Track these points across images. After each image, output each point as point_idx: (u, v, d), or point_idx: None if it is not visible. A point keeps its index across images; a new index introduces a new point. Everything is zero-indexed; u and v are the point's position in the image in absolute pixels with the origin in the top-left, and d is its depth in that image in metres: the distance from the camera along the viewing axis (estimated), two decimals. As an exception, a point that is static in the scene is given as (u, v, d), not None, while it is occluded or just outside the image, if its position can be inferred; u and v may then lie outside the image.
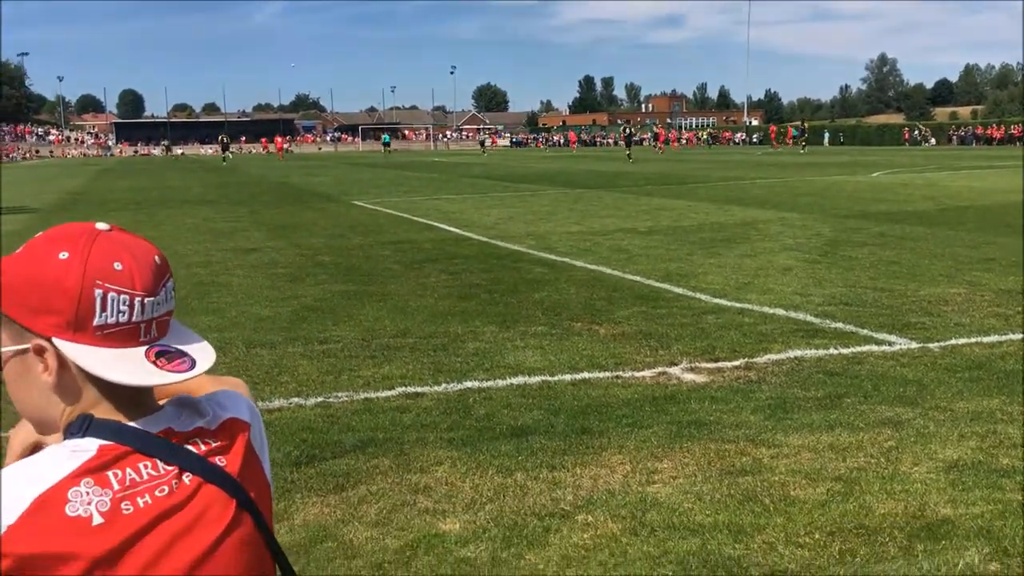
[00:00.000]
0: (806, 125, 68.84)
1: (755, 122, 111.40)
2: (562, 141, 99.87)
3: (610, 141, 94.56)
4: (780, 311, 7.38)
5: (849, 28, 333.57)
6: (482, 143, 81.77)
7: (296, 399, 5.21)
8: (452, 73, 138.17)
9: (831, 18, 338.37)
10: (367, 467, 4.11)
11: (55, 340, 1.13)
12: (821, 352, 6.08)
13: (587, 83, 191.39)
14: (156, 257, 1.19)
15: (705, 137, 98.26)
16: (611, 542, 3.33)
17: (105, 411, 1.17)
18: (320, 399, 5.20)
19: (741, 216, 15.26)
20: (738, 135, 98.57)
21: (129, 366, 1.14)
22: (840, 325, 6.84)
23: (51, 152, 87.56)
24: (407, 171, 37.46)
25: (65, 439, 1.16)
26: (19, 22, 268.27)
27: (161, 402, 1.25)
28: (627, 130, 51.41)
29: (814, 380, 5.42)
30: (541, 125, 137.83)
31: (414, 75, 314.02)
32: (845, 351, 6.08)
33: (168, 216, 17.58)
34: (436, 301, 8.08)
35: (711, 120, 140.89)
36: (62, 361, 1.14)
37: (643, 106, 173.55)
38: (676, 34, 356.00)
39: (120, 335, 1.15)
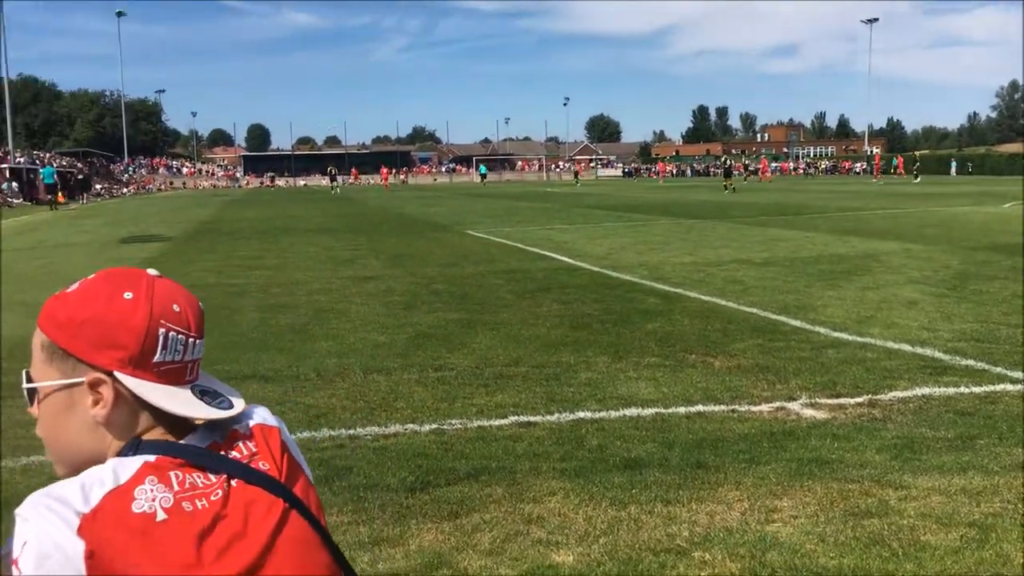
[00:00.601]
0: (917, 155, 67.15)
1: (876, 150, 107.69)
2: (674, 172, 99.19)
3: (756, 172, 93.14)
4: (906, 346, 7.09)
5: (978, 53, 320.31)
6: (575, 174, 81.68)
7: (411, 425, 5.29)
8: (565, 104, 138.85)
9: (958, 43, 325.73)
10: (480, 495, 4.13)
11: (116, 374, 1.20)
12: (951, 390, 5.80)
13: (701, 113, 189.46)
14: (199, 304, 1.29)
15: (806, 167, 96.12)
16: (729, 581, 3.24)
17: (153, 436, 1.24)
18: (434, 425, 5.27)
19: (862, 247, 14.78)
20: (858, 164, 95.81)
21: (184, 401, 1.23)
22: (971, 362, 6.52)
23: (184, 184, 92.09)
24: (520, 201, 37.80)
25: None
26: (158, 61, 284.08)
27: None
28: (727, 161, 51.37)
29: (944, 420, 5.17)
30: (654, 155, 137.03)
31: (528, 107, 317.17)
32: (977, 390, 5.79)
33: (291, 244, 18.20)
34: (548, 330, 8.09)
35: (830, 149, 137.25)
36: (118, 394, 1.20)
37: (759, 135, 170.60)
38: (793, 63, 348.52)
39: (172, 372, 1.24)
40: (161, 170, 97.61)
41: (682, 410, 5.48)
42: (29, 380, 1.26)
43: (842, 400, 5.64)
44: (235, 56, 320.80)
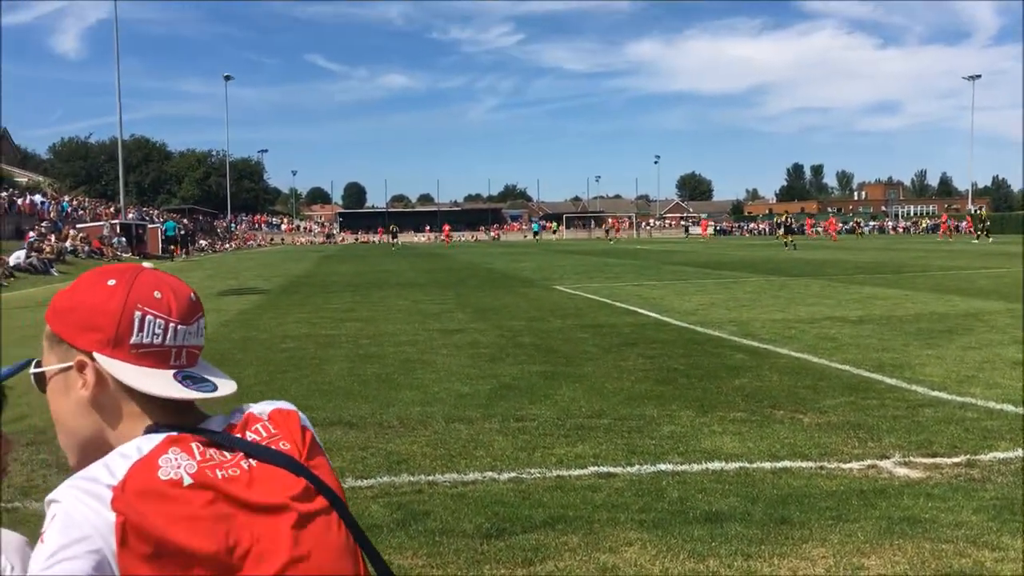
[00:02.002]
0: (984, 212, 65.59)
1: (981, 210, 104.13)
2: (766, 230, 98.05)
3: (819, 230, 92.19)
4: (1009, 407, 6.77)
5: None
6: (607, 231, 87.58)
7: (490, 473, 5.28)
8: (656, 162, 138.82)
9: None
10: (556, 543, 4.09)
11: (95, 355, 1.26)
12: (1057, 452, 5.49)
13: (795, 171, 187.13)
14: (192, 295, 1.34)
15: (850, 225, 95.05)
16: (809, 638, 3.11)
17: (163, 422, 1.27)
18: (513, 474, 5.25)
19: (964, 307, 14.24)
20: (963, 223, 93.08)
21: (158, 382, 1.26)
22: (1080, 424, 6.17)
23: (283, 239, 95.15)
24: (609, 258, 37.76)
25: None
26: (260, 123, 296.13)
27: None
28: (787, 219, 54.85)
29: (1049, 482, 4.89)
30: (747, 214, 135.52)
31: (618, 165, 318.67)
32: (1086, 452, 5.47)
33: (381, 298, 18.53)
34: (633, 384, 8.01)
35: (931, 208, 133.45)
36: (100, 376, 1.26)
37: (856, 193, 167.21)
38: (892, 121, 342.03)
39: (153, 356, 1.28)
40: (262, 226, 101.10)
41: (767, 465, 5.33)
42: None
43: (938, 460, 5.40)
44: (334, 117, 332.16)
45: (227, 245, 75.97)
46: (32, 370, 1.34)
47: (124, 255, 44.42)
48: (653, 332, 11.75)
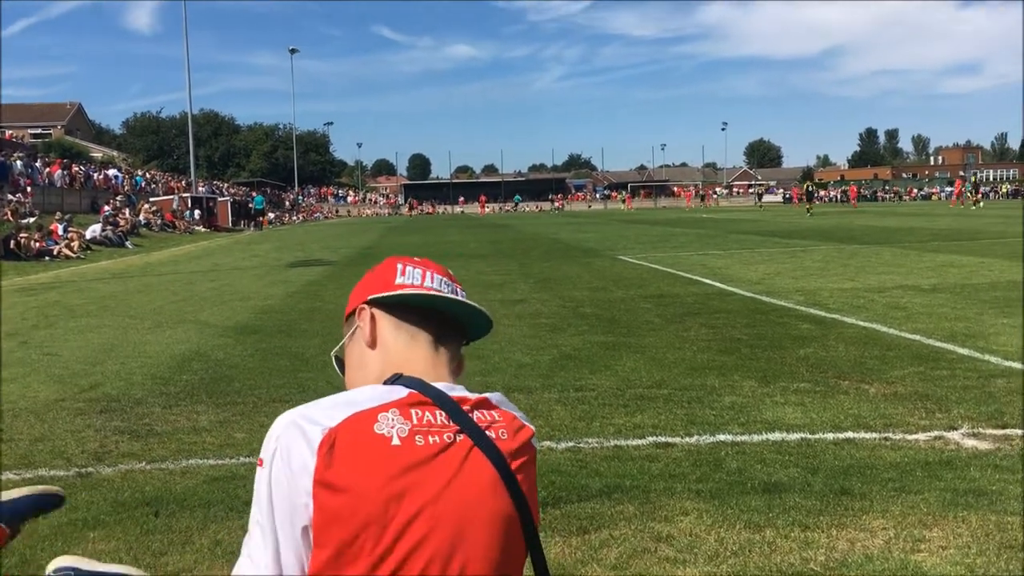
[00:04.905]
0: (976, 179, 66.18)
1: (975, 176, 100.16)
2: (839, 197, 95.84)
3: (891, 196, 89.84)
4: (1086, 377, 6.54)
5: None
6: (557, 208, 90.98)
7: (548, 442, 5.30)
8: (723, 129, 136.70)
9: None
10: (611, 512, 4.10)
11: (368, 298, 1.50)
12: None
13: (868, 136, 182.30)
14: (447, 270, 1.59)
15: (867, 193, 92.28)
16: (865, 609, 3.07)
17: (411, 372, 1.41)
18: (571, 444, 5.26)
19: (1043, 274, 13.75)
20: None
21: (418, 289, 1.52)
22: None
23: (348, 211, 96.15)
24: (674, 227, 37.35)
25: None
26: (326, 95, 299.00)
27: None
28: (809, 187, 61.30)
29: (1126, 455, 4.73)
30: (817, 180, 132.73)
31: (684, 132, 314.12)
32: None
33: (444, 269, 18.60)
34: (695, 354, 7.94)
35: (1012, 172, 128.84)
36: (372, 316, 1.49)
37: (932, 158, 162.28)
38: (972, 82, 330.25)
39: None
40: (328, 198, 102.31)
41: (830, 436, 5.25)
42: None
43: (1008, 431, 5.25)
44: (398, 89, 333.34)
45: (294, 217, 77.09)
46: (333, 354, 1.59)
47: (198, 228, 45.43)
48: (717, 302, 11.62)
